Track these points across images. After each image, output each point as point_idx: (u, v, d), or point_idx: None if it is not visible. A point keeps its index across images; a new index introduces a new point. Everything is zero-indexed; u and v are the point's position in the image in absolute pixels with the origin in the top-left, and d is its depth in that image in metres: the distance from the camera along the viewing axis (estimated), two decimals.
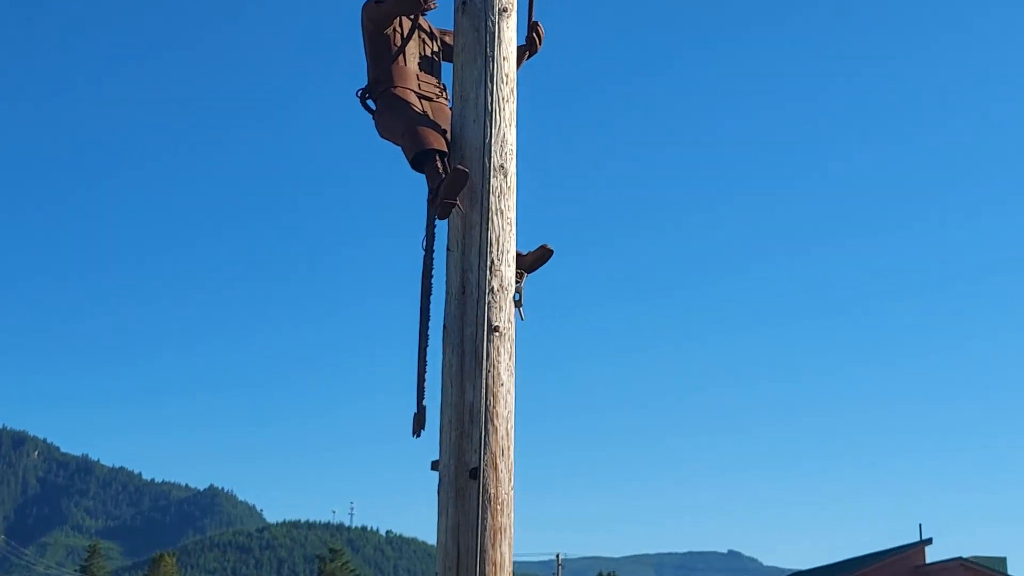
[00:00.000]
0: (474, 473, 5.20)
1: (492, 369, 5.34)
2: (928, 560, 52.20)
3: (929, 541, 52.69)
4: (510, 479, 5.32)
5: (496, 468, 5.25)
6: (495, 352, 5.36)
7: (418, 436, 5.59)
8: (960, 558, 49.43)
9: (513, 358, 5.46)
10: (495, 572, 5.16)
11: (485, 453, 5.23)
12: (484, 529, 5.17)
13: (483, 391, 5.30)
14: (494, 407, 5.30)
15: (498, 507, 5.22)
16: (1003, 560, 51.27)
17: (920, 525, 58.17)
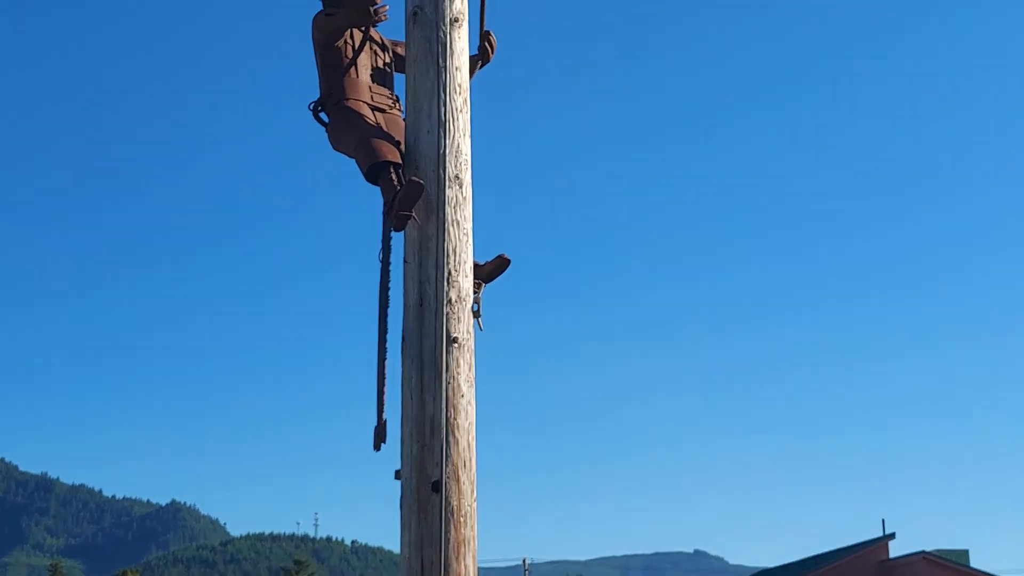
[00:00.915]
0: (436, 486, 5.17)
1: (452, 381, 5.31)
2: (892, 555, 52.66)
3: (892, 536, 53.14)
4: (473, 491, 5.29)
5: (458, 480, 5.23)
6: (454, 364, 5.34)
7: (378, 450, 5.57)
8: (923, 552, 49.88)
9: (473, 369, 5.44)
10: None
11: (447, 466, 5.21)
12: (448, 542, 5.14)
13: (443, 403, 5.27)
14: (455, 419, 5.28)
15: (461, 519, 5.20)
16: (966, 552, 51.78)
17: (883, 520, 58.63)
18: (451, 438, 5.25)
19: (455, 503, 5.19)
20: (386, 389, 5.66)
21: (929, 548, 50.51)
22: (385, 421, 5.63)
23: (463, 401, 5.33)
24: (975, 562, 51.91)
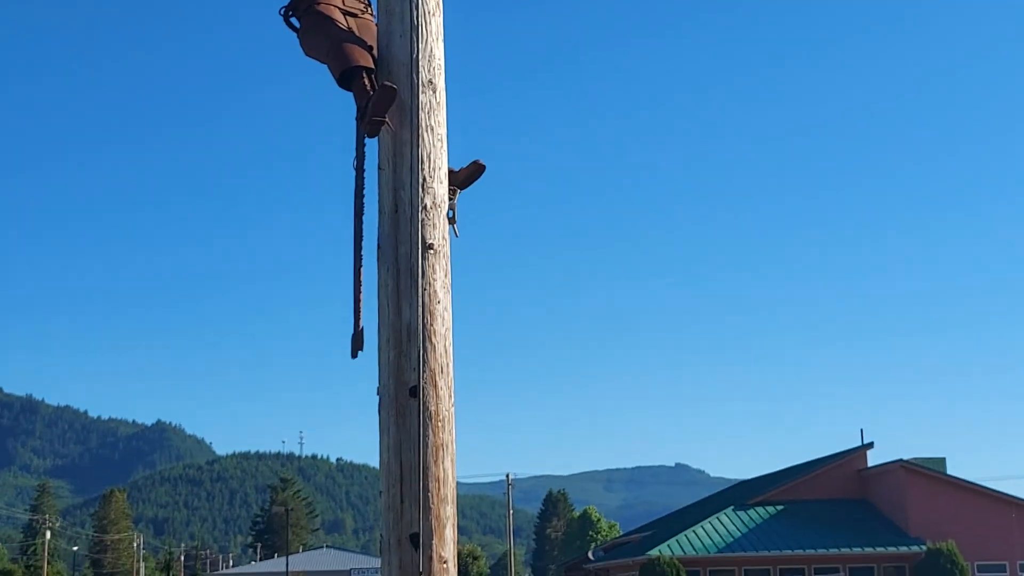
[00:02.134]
0: (414, 391, 5.20)
1: (428, 287, 5.31)
2: (870, 464, 53.41)
3: (870, 445, 53.87)
4: (450, 396, 5.32)
5: (436, 386, 5.25)
6: (430, 270, 5.33)
7: (355, 357, 5.57)
8: (901, 460, 50.61)
9: (449, 275, 5.44)
10: (438, 488, 5.18)
11: (424, 371, 5.22)
12: (426, 446, 5.18)
13: (420, 309, 5.27)
14: (431, 325, 5.29)
15: (439, 424, 5.23)
16: (943, 460, 52.56)
17: (861, 431, 59.24)
18: (428, 344, 5.26)
19: (433, 408, 5.21)
20: (363, 297, 5.65)
21: (907, 457, 51.26)
22: (362, 329, 5.63)
23: (439, 307, 5.34)
24: (952, 470, 52.75)
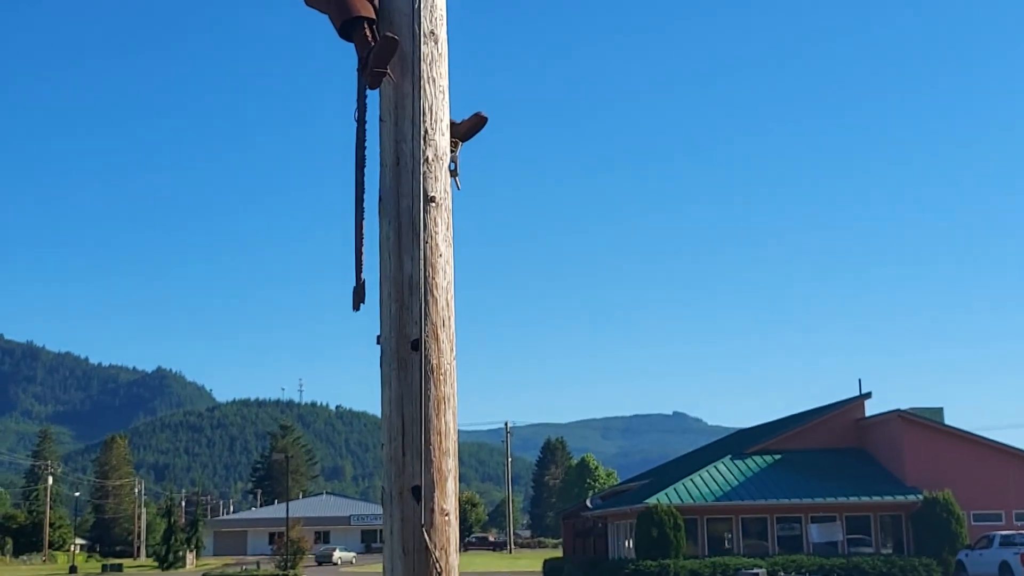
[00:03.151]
0: (416, 344, 5.19)
1: (430, 240, 5.29)
2: (868, 414, 53.66)
3: (868, 395, 54.10)
4: (452, 349, 5.31)
5: (437, 339, 5.24)
6: (432, 223, 5.31)
7: (357, 310, 5.56)
8: (898, 410, 50.84)
9: (450, 228, 5.41)
10: (440, 441, 5.19)
11: (426, 324, 5.21)
12: (428, 399, 5.18)
13: (421, 262, 5.25)
14: (433, 278, 5.27)
15: (441, 377, 5.23)
16: (940, 410, 52.79)
17: (859, 380, 59.42)
18: (429, 297, 5.25)
19: (434, 361, 5.21)
20: (364, 249, 5.63)
21: (904, 407, 51.46)
22: (364, 281, 5.61)
23: (441, 260, 5.32)
24: (949, 419, 53.01)
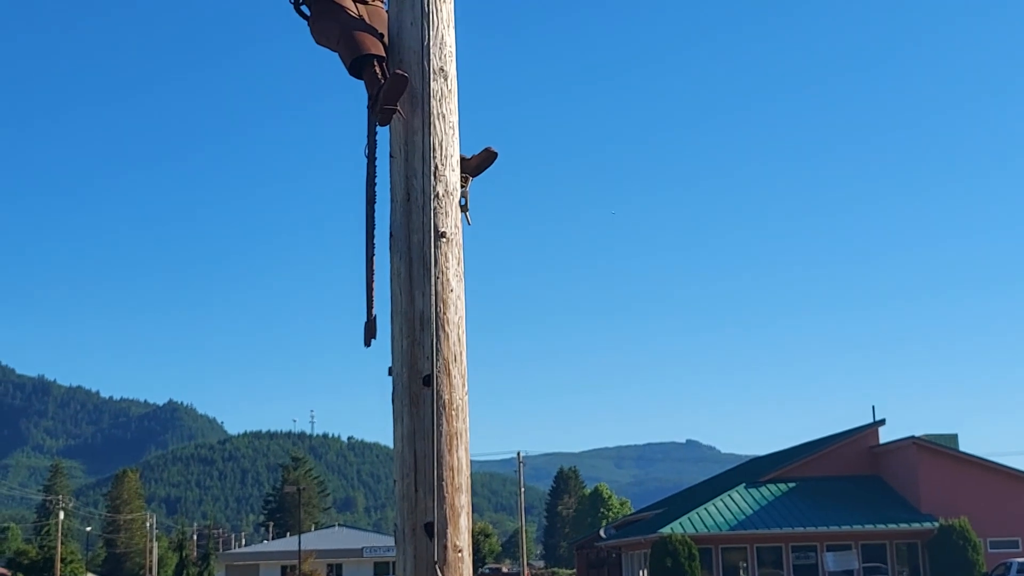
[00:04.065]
0: (427, 380, 5.19)
1: (441, 275, 5.30)
2: (882, 440, 53.41)
3: (882, 422, 53.87)
4: (464, 384, 5.31)
5: (449, 374, 5.24)
6: (443, 258, 5.32)
7: (369, 346, 5.57)
8: (913, 437, 50.59)
9: (461, 263, 5.42)
10: (452, 477, 5.18)
11: (438, 360, 5.21)
12: (440, 435, 5.17)
13: (432, 298, 5.26)
14: (444, 313, 5.28)
15: (453, 412, 5.22)
16: (954, 437, 52.51)
17: (873, 407, 59.23)
18: (441, 332, 5.25)
19: (446, 397, 5.21)
20: (375, 285, 5.64)
21: (918, 433, 51.22)
22: (375, 317, 5.62)
23: (452, 295, 5.32)
24: (964, 445, 52.77)
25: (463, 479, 5.24)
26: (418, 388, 5.21)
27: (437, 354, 5.22)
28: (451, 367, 5.26)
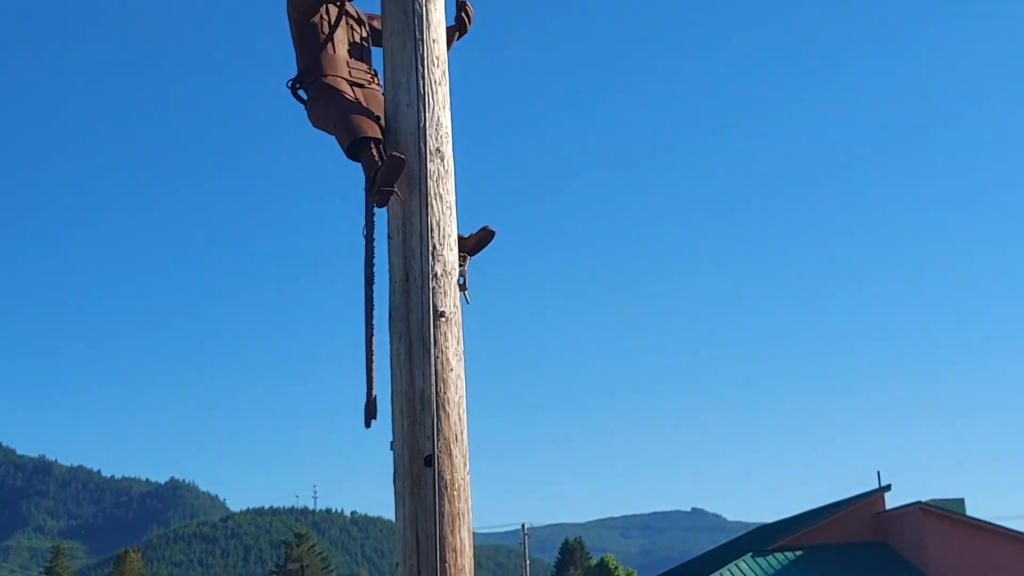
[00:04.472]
0: (429, 460, 5.18)
1: (440, 355, 5.31)
2: (888, 507, 52.98)
3: (888, 488, 53.44)
4: (465, 464, 5.30)
5: (451, 454, 5.23)
6: (442, 338, 5.33)
7: (369, 427, 5.57)
8: (919, 503, 50.17)
9: (461, 342, 5.44)
10: (455, 558, 5.15)
11: (438, 440, 5.21)
12: (442, 516, 5.15)
13: (432, 378, 5.27)
14: (444, 393, 5.28)
15: (455, 493, 5.21)
16: (961, 501, 52.08)
17: (878, 472, 58.80)
18: (441, 412, 5.25)
19: (448, 477, 5.19)
20: (375, 365, 5.65)
21: (924, 498, 50.80)
22: (375, 397, 5.63)
23: (452, 375, 5.33)
24: (971, 510, 52.23)
25: (466, 560, 5.21)
26: (420, 469, 5.20)
27: (438, 434, 5.22)
28: (452, 447, 5.25)
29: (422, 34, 5.59)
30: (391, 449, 5.38)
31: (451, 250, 5.49)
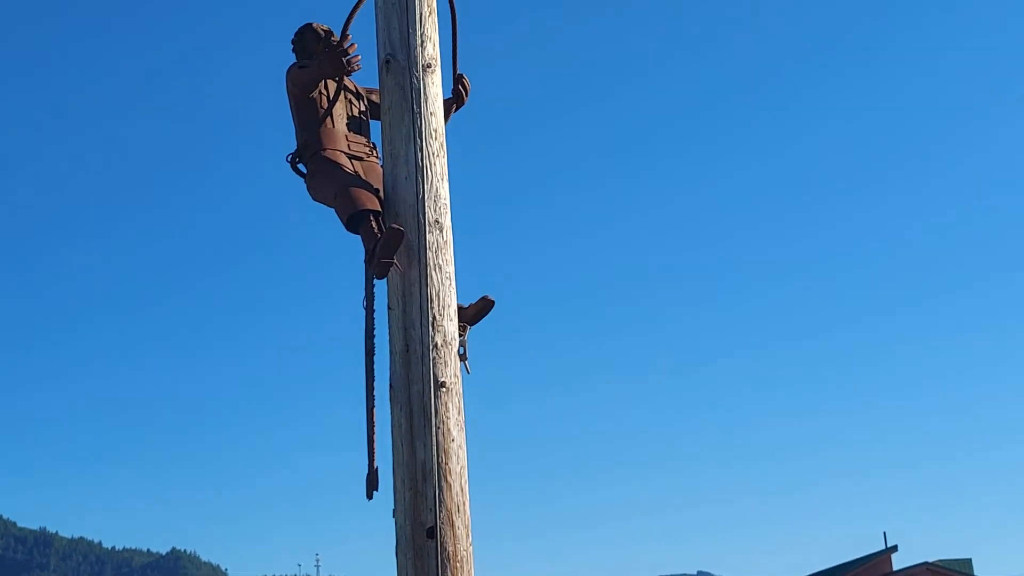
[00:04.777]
0: (431, 532, 5.17)
1: (442, 426, 5.31)
2: (895, 567, 52.55)
3: (895, 548, 53.02)
4: (468, 535, 5.28)
5: (453, 525, 5.22)
6: (443, 408, 5.34)
7: (371, 498, 5.57)
8: (926, 563, 49.76)
9: (462, 413, 5.44)
10: None
11: (441, 511, 5.20)
12: None
13: (434, 448, 5.27)
14: (446, 464, 5.28)
15: (457, 565, 5.19)
16: (968, 562, 51.66)
17: (884, 533, 58.28)
18: (443, 483, 5.24)
19: (450, 549, 5.18)
20: (376, 436, 5.66)
21: (932, 559, 50.40)
22: (377, 468, 5.63)
23: (454, 445, 5.33)
24: (979, 571, 51.78)
25: None
26: (422, 540, 5.18)
27: (440, 505, 5.21)
28: (454, 518, 5.24)
29: (420, 107, 5.66)
30: (393, 517, 5.36)
31: (451, 320, 5.51)
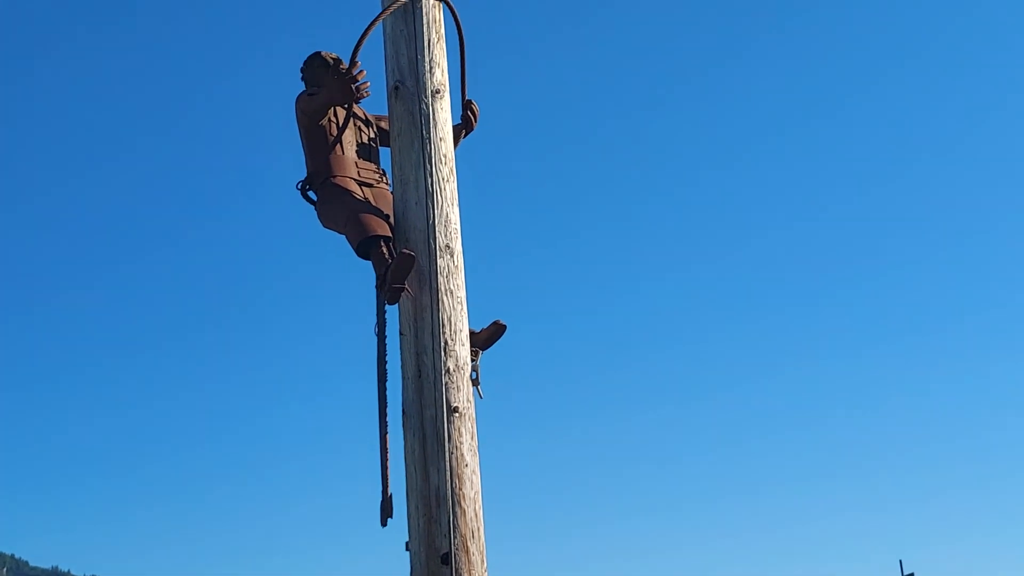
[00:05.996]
0: (445, 559, 5.13)
1: (455, 451, 5.29)
2: None
3: None
4: (483, 561, 5.25)
5: (468, 551, 5.19)
6: (456, 434, 5.32)
7: (385, 525, 5.53)
8: None
9: (475, 438, 5.42)
10: None
11: (455, 537, 5.17)
12: None
13: (448, 474, 5.24)
14: (460, 489, 5.25)
15: None
16: None
17: (901, 561, 57.93)
18: (457, 509, 5.21)
19: (465, 575, 5.14)
20: (389, 463, 5.63)
21: None
22: (391, 495, 5.60)
23: (467, 471, 5.30)
24: None
25: None
26: (436, 567, 5.15)
27: (454, 531, 5.18)
28: (469, 544, 5.20)
29: (429, 133, 5.67)
30: (406, 549, 5.33)
31: (463, 345, 5.50)
